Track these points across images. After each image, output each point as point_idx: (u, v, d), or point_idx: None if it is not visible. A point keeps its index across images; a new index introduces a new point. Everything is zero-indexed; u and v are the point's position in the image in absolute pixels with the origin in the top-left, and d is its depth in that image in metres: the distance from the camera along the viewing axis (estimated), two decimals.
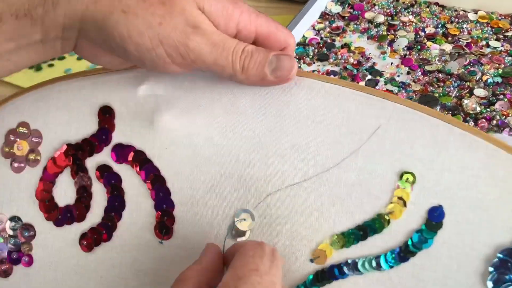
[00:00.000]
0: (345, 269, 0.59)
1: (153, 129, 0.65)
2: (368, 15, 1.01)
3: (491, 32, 0.95)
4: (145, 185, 0.66)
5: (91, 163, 0.63)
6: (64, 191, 0.68)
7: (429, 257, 0.57)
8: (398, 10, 1.00)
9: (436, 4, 1.02)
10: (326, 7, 1.05)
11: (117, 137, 0.67)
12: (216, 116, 0.64)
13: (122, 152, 0.66)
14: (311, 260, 0.60)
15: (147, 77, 0.65)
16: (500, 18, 1.00)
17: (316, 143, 0.61)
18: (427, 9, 1.00)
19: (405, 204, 0.58)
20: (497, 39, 0.93)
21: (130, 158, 0.66)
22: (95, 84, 0.68)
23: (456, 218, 0.56)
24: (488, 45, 0.93)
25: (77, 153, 0.67)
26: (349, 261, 0.59)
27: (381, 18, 0.98)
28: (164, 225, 0.65)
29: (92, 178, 0.67)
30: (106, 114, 0.67)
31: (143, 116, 0.66)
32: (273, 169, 0.62)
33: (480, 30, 0.95)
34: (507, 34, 0.95)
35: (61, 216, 0.67)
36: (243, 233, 0.63)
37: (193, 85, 0.65)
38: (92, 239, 0.67)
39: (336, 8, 1.03)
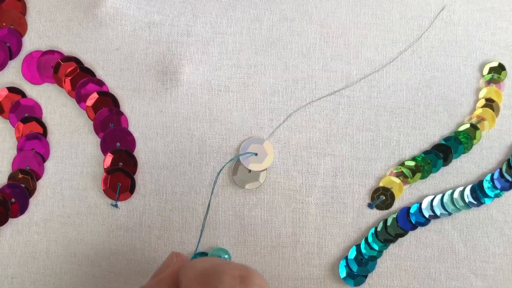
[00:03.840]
0: (426, 210, 0.38)
1: (93, 22, 0.41)
2: None
3: None
4: (84, 112, 0.40)
5: None
6: None
7: None
8: None
9: None
10: None
11: (31, 41, 0.40)
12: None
13: (42, 64, 0.40)
14: (370, 205, 0.39)
15: None
16: None
17: (358, 33, 0.41)
18: None
19: (497, 108, 0.40)
20: None
21: (56, 72, 0.40)
22: None
23: None
24: None
25: None
26: (430, 199, 0.38)
27: None
28: (121, 175, 0.39)
29: None
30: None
31: (73, 4, 0.41)
32: (302, 75, 0.40)
33: None
34: None
35: None
36: (255, 176, 0.39)
37: None
38: None
39: None
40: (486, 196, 0.38)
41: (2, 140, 0.40)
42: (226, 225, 0.38)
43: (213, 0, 0.41)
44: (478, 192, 0.38)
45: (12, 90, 0.40)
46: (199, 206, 0.39)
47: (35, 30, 0.41)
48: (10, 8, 0.41)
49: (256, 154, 0.39)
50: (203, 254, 0.38)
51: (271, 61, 0.40)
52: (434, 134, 0.40)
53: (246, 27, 0.41)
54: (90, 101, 0.40)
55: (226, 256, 0.38)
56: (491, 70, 0.40)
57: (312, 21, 0.41)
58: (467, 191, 0.38)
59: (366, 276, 0.38)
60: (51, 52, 0.41)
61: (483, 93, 0.40)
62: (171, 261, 0.30)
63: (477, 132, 0.39)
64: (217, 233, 0.38)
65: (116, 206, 0.39)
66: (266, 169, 0.39)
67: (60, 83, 0.40)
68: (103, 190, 0.39)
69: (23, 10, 0.41)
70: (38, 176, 0.39)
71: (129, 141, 0.39)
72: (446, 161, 0.39)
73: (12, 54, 0.41)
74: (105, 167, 0.39)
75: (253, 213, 0.39)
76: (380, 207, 0.39)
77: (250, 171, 0.39)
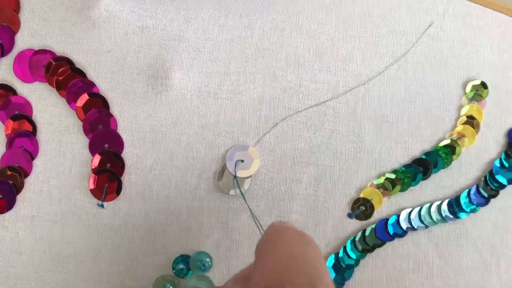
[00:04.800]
0: (404, 222, 0.39)
1: (86, 23, 0.41)
2: None
3: None
4: (74, 112, 0.40)
5: None
6: None
7: None
8: None
9: None
10: None
11: (24, 39, 0.41)
12: None
13: (34, 63, 0.41)
14: (350, 215, 0.40)
15: None
16: None
17: (346, 46, 0.42)
18: None
19: (477, 126, 0.41)
20: None
21: (48, 71, 0.41)
22: None
23: None
24: None
25: None
26: (408, 212, 0.40)
27: None
28: (108, 176, 0.39)
29: None
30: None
31: (67, 5, 0.41)
32: (289, 84, 0.41)
33: None
34: None
35: None
36: (240, 183, 0.40)
37: None
38: None
39: None
40: (463, 210, 0.39)
41: None
42: (210, 229, 0.39)
43: (206, 7, 0.42)
44: (455, 207, 0.39)
45: (3, 87, 0.41)
46: (183, 210, 0.39)
47: (28, 28, 0.41)
48: (4, 4, 0.41)
49: (242, 161, 0.40)
50: (185, 256, 0.39)
51: (260, 69, 0.41)
52: (415, 148, 0.41)
53: (237, 35, 0.41)
54: (80, 102, 0.40)
55: (207, 259, 0.39)
56: (474, 88, 0.41)
57: (302, 32, 0.42)
58: (444, 205, 0.39)
59: (343, 284, 0.39)
60: (43, 51, 0.41)
61: (464, 110, 0.41)
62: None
63: (457, 148, 0.40)
64: (200, 237, 0.39)
65: (102, 206, 0.39)
66: (250, 176, 0.40)
67: (51, 83, 0.41)
68: (90, 190, 0.39)
69: (17, 7, 0.42)
70: (26, 174, 0.40)
71: (118, 143, 0.40)
72: (426, 175, 0.40)
73: (4, 51, 0.41)
74: (93, 167, 0.40)
75: (236, 219, 0.39)
76: (359, 217, 0.40)
77: (235, 177, 0.40)
